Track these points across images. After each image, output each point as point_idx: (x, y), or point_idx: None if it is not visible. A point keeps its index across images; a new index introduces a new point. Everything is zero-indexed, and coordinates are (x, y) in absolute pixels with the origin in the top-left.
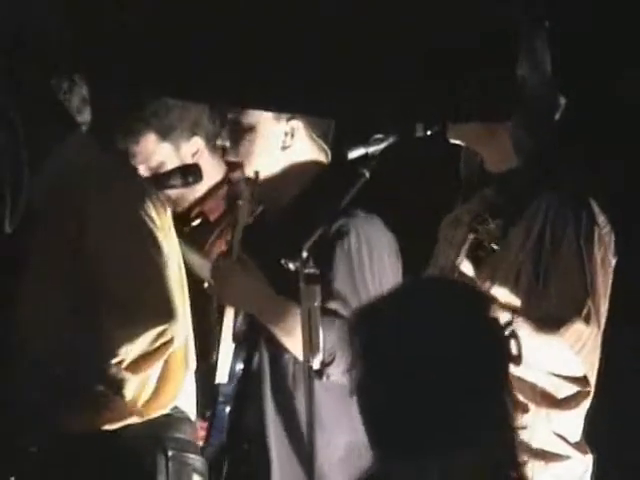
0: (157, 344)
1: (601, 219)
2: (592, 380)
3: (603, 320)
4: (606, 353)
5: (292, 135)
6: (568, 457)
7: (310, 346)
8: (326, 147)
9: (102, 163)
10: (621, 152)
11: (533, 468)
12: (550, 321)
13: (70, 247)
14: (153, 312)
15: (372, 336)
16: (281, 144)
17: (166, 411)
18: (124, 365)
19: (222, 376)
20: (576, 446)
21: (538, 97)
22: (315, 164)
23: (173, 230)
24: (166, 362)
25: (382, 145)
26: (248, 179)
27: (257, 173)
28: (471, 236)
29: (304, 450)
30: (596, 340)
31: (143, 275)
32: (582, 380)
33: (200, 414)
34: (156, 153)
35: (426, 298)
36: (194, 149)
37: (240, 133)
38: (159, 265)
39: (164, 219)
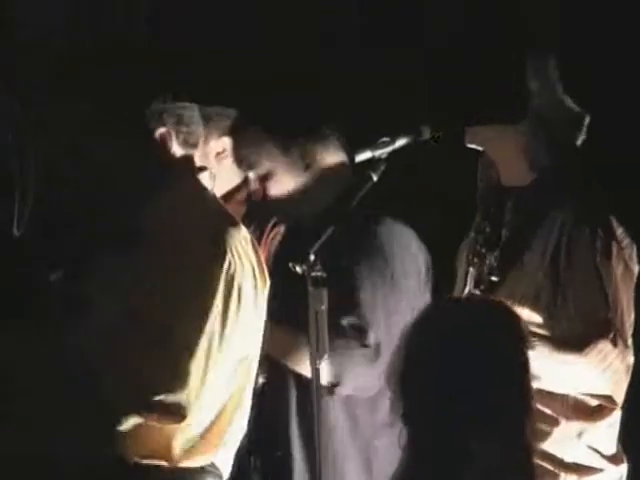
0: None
1: (619, 232)
2: (619, 398)
3: (629, 334)
4: None
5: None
6: (601, 469)
7: (317, 349)
8: (342, 147)
9: (205, 205)
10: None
11: None
12: (573, 340)
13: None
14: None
15: (414, 350)
16: (304, 166)
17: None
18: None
19: None
20: (610, 458)
21: (553, 115)
22: (342, 166)
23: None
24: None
25: (389, 148)
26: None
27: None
28: (471, 270)
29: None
30: (623, 357)
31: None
32: (608, 398)
33: None
34: None
35: (463, 316)
36: (220, 148)
37: (264, 184)
38: (199, 340)
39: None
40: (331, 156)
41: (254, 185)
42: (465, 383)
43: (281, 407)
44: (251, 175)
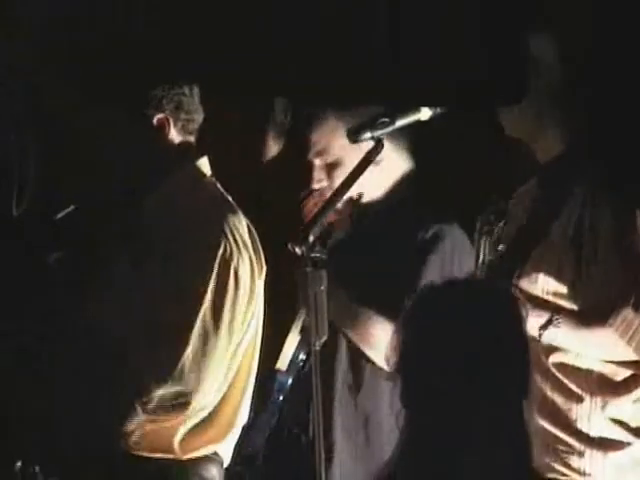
0: (175, 402)
1: None
2: None
3: None
4: None
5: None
6: (629, 444)
7: (316, 330)
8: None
9: (207, 197)
10: None
11: (592, 458)
12: (597, 311)
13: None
14: (178, 375)
15: (411, 332)
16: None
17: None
18: (145, 408)
19: (283, 363)
20: (637, 431)
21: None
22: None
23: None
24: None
25: (388, 129)
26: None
27: (360, 195)
28: (482, 239)
29: (363, 439)
30: None
31: (188, 337)
32: (637, 364)
33: None
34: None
35: (460, 298)
36: None
37: (330, 172)
38: (208, 337)
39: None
40: (400, 155)
41: (319, 173)
42: (461, 366)
43: (329, 383)
44: (317, 162)
